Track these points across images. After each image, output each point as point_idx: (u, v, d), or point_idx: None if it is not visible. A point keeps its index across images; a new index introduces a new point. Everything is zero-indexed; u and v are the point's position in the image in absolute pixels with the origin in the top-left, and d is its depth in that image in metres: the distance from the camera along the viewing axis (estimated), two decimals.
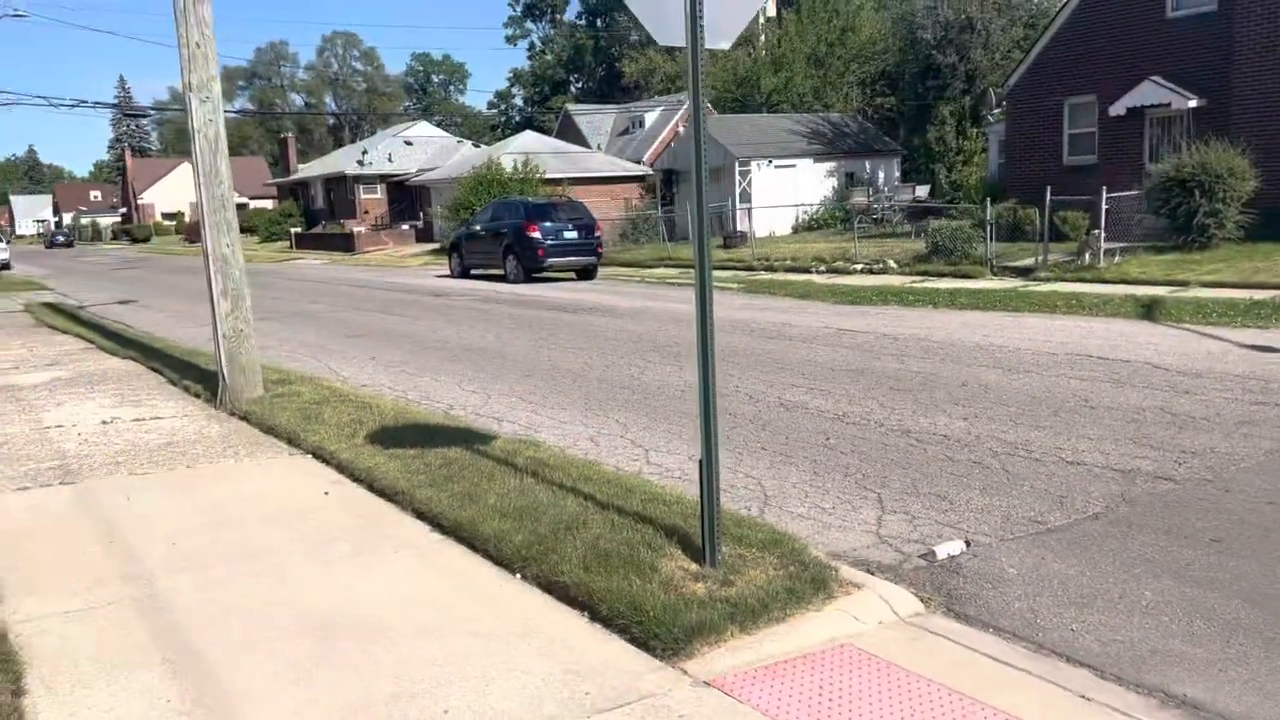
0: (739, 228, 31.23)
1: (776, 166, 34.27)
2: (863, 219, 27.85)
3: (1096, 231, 17.80)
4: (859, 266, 21.31)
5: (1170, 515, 5.36)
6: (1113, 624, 4.13)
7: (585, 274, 24.61)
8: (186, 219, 74.64)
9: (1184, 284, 15.14)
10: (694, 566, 4.46)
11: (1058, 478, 6.09)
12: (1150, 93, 21.59)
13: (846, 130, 37.52)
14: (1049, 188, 18.77)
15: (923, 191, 32.75)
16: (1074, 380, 8.98)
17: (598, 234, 24.90)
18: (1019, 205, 21.66)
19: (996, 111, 30.74)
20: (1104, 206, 17.82)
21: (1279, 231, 17.83)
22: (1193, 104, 20.99)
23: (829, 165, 35.61)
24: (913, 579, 4.63)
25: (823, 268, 21.96)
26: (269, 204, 66.73)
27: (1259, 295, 13.46)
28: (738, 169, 33.33)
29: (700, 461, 4.49)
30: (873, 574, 4.62)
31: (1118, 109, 22.10)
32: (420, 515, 5.56)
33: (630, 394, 9.33)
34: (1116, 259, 17.77)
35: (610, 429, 7.96)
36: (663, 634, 3.89)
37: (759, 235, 30.00)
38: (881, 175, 36.62)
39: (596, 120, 54.07)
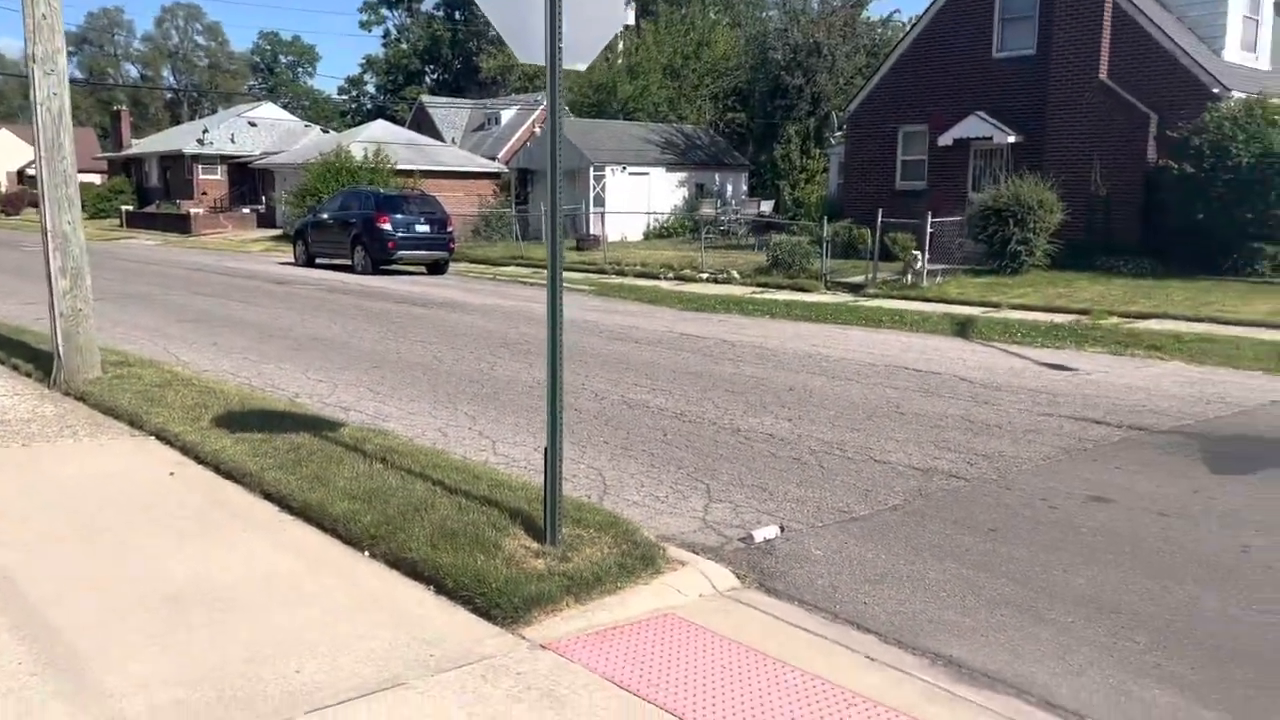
0: (592, 231, 31.76)
1: (630, 173, 34.97)
2: (710, 230, 28.84)
3: (916, 253, 19.11)
4: (705, 275, 22.11)
5: (958, 508, 6.08)
6: (899, 598, 4.73)
7: (436, 269, 24.58)
8: (3, 189, 69.63)
9: (996, 305, 16.48)
10: (535, 545, 4.83)
11: (865, 474, 6.76)
12: (975, 126, 23.27)
13: (699, 143, 38.63)
14: (881, 210, 20.04)
15: (767, 207, 34.07)
16: (889, 389, 9.80)
17: (450, 229, 24.91)
18: (854, 225, 22.94)
19: (838, 134, 32.36)
20: (929, 230, 19.15)
21: (1080, 261, 19.62)
22: (1012, 139, 22.77)
23: (681, 175, 36.60)
24: (732, 559, 5.14)
25: (671, 275, 22.68)
26: (97, 179, 63.03)
27: (1058, 319, 14.84)
28: (592, 173, 33.85)
29: (546, 449, 4.87)
30: (697, 554, 5.10)
31: (946, 139, 23.71)
32: (269, 496, 5.71)
33: (479, 388, 9.61)
34: (939, 280, 19.13)
35: (459, 420, 8.22)
36: (504, 604, 4.24)
37: (612, 239, 30.58)
38: (730, 188, 37.88)
39: (451, 114, 53.62)
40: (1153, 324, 14.18)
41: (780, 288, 19.78)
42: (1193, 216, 18.51)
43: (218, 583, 4.52)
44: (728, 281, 21.30)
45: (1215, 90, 19.71)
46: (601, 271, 23.94)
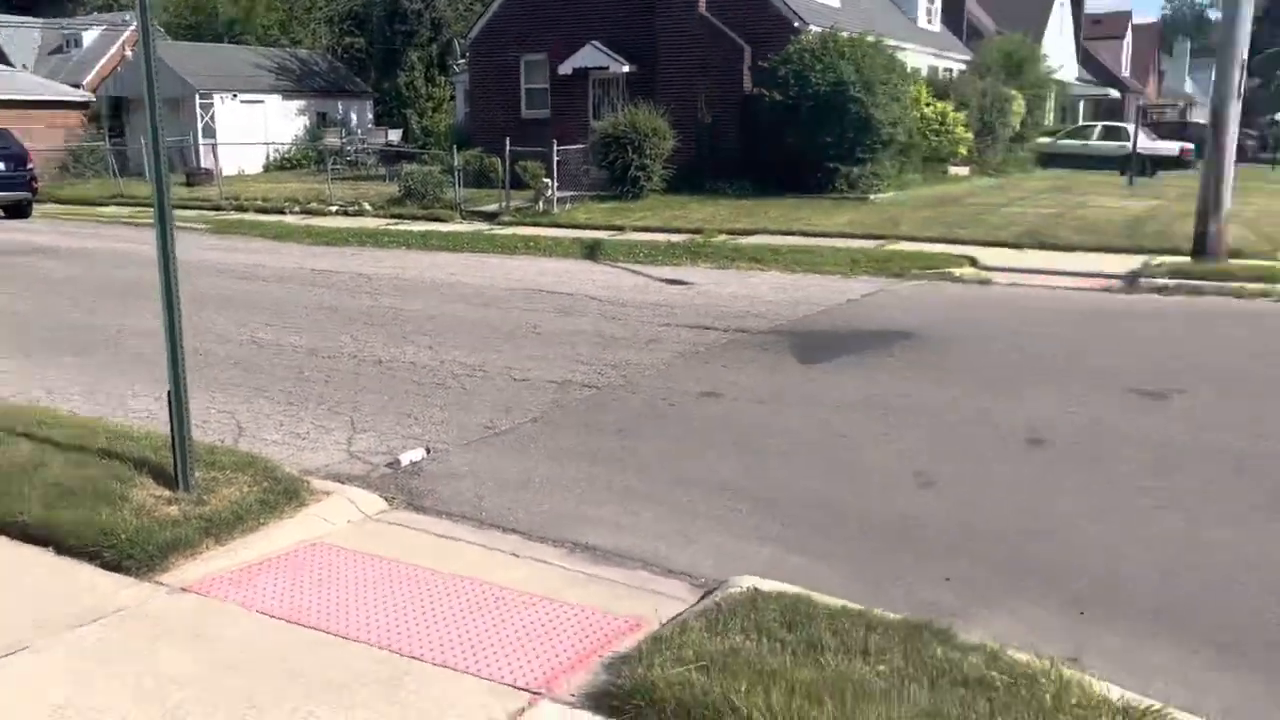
0: (204, 164, 29.28)
1: (243, 101, 32.55)
2: (337, 160, 27.67)
3: (546, 180, 19.69)
4: (335, 208, 21.31)
5: (591, 414, 6.56)
6: (540, 500, 5.09)
7: (17, 211, 21.64)
8: None
9: (620, 228, 17.42)
10: (167, 492, 4.64)
11: (507, 391, 7.07)
12: (592, 56, 24.08)
13: (316, 69, 36.65)
14: (509, 138, 20.29)
15: (395, 136, 33.22)
16: (527, 311, 10.19)
17: (30, 166, 21.97)
18: (485, 153, 23.05)
19: (462, 62, 32.11)
20: (555, 158, 19.74)
21: (693, 184, 21.17)
22: (626, 69, 23.84)
23: (299, 103, 34.62)
24: (379, 484, 5.24)
25: (297, 209, 21.61)
26: None
27: (675, 238, 15.99)
28: (199, 101, 31.12)
29: (169, 393, 4.65)
30: (343, 483, 5.15)
31: (565, 69, 24.36)
32: None
33: (84, 339, 8.78)
34: (568, 206, 19.83)
35: (64, 375, 7.51)
36: (137, 554, 4.07)
37: (227, 173, 28.40)
38: (354, 117, 36.43)
39: (20, 35, 46.56)
40: (754, 239, 15.71)
41: (415, 218, 19.55)
42: (784, 140, 20.55)
43: None
44: (360, 214, 20.70)
45: (796, 24, 21.84)
46: (218, 208, 22.28)
